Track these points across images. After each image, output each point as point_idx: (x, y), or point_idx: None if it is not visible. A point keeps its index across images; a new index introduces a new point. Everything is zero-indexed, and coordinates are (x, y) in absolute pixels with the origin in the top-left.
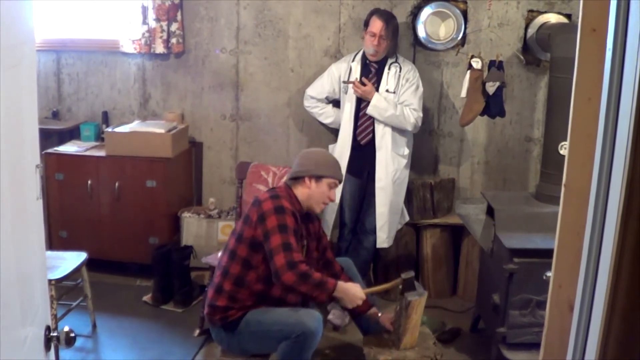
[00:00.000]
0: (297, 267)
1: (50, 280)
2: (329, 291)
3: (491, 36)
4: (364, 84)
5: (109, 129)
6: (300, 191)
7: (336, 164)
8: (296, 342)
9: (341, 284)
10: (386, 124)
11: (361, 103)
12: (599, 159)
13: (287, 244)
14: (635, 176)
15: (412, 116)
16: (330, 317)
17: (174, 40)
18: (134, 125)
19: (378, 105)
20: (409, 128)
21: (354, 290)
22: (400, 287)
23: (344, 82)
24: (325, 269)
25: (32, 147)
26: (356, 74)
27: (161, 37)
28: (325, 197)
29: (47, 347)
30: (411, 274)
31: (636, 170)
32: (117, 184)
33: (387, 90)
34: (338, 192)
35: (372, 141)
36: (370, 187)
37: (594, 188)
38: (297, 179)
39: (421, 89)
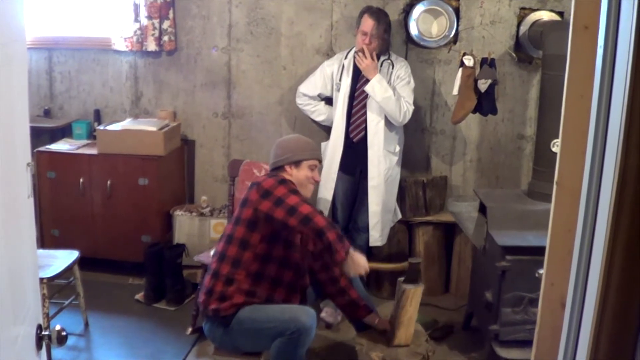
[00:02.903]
0: (323, 216)
1: (42, 279)
2: (347, 248)
3: (483, 34)
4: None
5: (101, 127)
6: None
7: (311, 145)
8: (290, 338)
9: (353, 250)
10: (379, 119)
11: (354, 100)
12: (590, 156)
13: (304, 200)
14: (626, 173)
15: (404, 106)
16: (322, 314)
17: (166, 38)
18: (126, 123)
19: (379, 84)
20: (399, 118)
21: (361, 259)
22: (407, 269)
23: (356, 52)
24: (324, 271)
25: (23, 145)
26: (349, 71)
27: (153, 34)
28: (310, 179)
29: (39, 346)
30: (419, 259)
31: (627, 167)
32: (109, 182)
33: None
34: (330, 189)
35: (364, 138)
36: (362, 185)
37: (586, 185)
38: (277, 169)
39: (412, 84)
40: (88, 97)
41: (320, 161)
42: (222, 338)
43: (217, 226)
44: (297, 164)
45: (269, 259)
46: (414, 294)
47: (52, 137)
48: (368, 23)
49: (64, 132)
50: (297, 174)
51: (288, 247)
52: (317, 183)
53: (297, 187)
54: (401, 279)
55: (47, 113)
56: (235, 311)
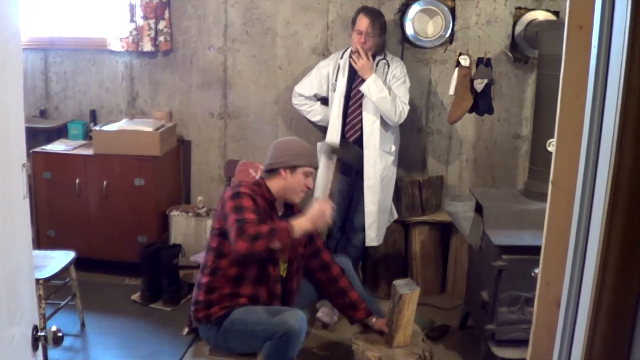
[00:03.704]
0: (245, 232)
1: (38, 280)
2: (286, 231)
3: (479, 33)
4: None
5: (97, 128)
6: (276, 183)
7: (310, 151)
8: (280, 341)
9: (295, 221)
10: (375, 119)
11: (350, 100)
12: (584, 156)
13: (239, 220)
14: (620, 173)
15: (400, 106)
16: (319, 314)
17: (161, 38)
18: (122, 124)
19: (374, 84)
20: (395, 118)
21: (317, 209)
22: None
23: (352, 52)
24: (322, 271)
25: (19, 146)
26: (344, 71)
27: (149, 35)
28: (302, 186)
29: (35, 347)
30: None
31: (621, 167)
32: (105, 183)
33: None
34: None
35: (360, 138)
36: (358, 185)
37: (580, 185)
38: (272, 171)
39: (408, 83)
40: (84, 97)
41: (316, 169)
42: (215, 339)
43: None
44: (292, 169)
45: (247, 261)
46: (411, 297)
47: (48, 138)
48: (363, 22)
49: (60, 132)
50: (291, 179)
51: None
52: (308, 190)
53: (286, 192)
54: (396, 282)
55: (43, 113)
56: (227, 312)
